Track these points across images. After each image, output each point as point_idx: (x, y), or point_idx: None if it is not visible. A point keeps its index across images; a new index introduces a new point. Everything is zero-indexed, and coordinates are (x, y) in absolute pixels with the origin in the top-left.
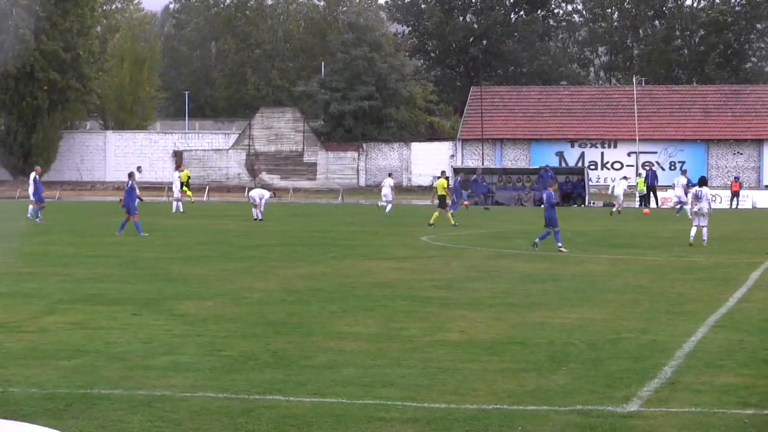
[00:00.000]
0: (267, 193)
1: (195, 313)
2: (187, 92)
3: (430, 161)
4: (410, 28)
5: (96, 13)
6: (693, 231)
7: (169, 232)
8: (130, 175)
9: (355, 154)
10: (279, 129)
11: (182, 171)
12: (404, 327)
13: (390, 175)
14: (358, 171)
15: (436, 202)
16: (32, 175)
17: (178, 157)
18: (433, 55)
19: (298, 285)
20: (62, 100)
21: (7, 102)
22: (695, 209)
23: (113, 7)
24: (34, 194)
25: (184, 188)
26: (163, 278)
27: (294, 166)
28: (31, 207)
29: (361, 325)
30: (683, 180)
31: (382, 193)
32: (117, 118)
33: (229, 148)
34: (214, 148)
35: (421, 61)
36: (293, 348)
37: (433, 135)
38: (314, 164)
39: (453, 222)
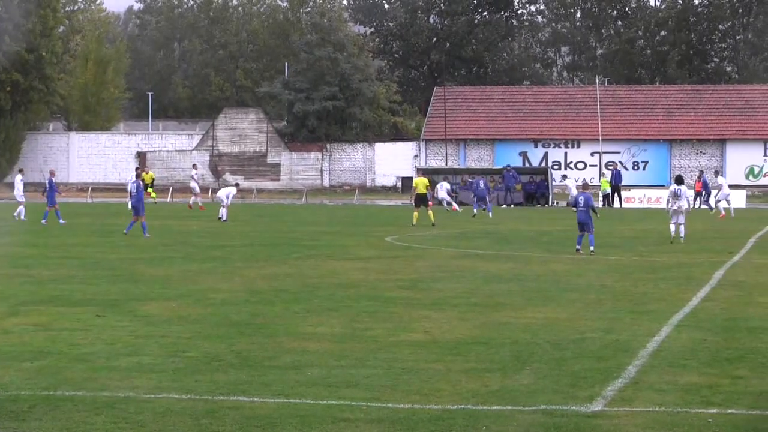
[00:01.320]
0: (233, 190)
1: (158, 314)
2: (150, 93)
3: (394, 161)
4: (373, 29)
5: (59, 14)
6: (672, 228)
7: (132, 233)
8: (138, 175)
9: (319, 155)
10: (243, 130)
11: (146, 172)
12: (368, 327)
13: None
14: (321, 172)
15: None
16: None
17: (141, 159)
18: (396, 55)
19: (261, 285)
20: (25, 101)
21: None
22: (674, 207)
23: (75, 8)
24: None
25: (149, 189)
26: (126, 279)
27: (258, 166)
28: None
29: (325, 325)
30: (722, 179)
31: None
32: (81, 120)
33: (193, 149)
34: (178, 149)
35: (385, 61)
36: (257, 349)
37: (397, 135)
38: (278, 165)
39: (433, 221)
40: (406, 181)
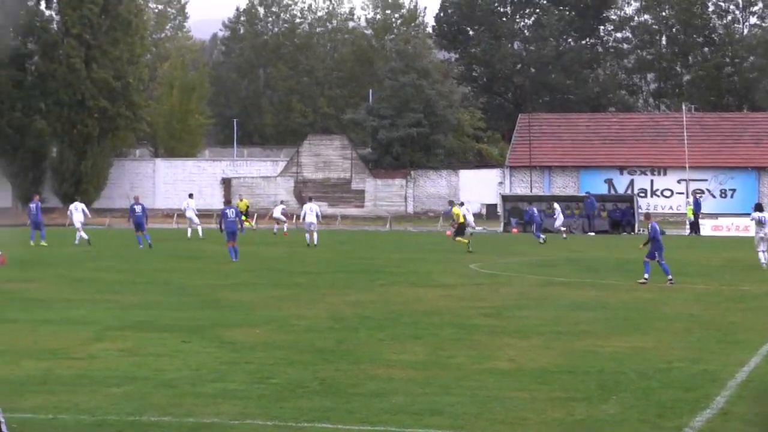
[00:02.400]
0: (282, 207)
1: (243, 341)
2: (235, 120)
3: (478, 188)
4: (458, 56)
5: (146, 41)
6: (761, 256)
7: (217, 259)
8: (227, 202)
9: (403, 182)
10: (327, 156)
11: (241, 200)
12: (452, 355)
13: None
14: (406, 198)
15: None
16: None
17: (226, 185)
18: (480, 82)
19: (346, 312)
20: (112, 127)
21: (59, 130)
22: (761, 234)
23: (162, 35)
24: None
25: (244, 216)
26: (211, 305)
27: (342, 193)
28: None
29: (409, 352)
30: None
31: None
32: (166, 146)
33: (278, 176)
34: (263, 176)
35: (469, 88)
36: (341, 376)
37: (482, 162)
38: (362, 191)
39: (469, 249)
40: (491, 209)
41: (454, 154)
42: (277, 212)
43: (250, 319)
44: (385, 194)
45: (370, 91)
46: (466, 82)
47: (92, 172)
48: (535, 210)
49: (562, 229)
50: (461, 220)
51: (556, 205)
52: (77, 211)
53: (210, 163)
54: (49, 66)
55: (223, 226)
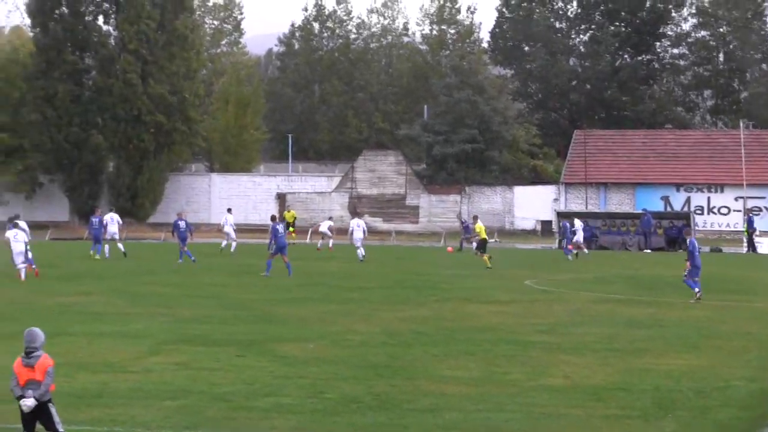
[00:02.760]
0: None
1: (297, 355)
2: (290, 135)
3: (533, 205)
4: (513, 72)
5: (202, 56)
6: None
7: (271, 273)
8: (273, 218)
9: (458, 197)
10: (382, 172)
11: (288, 211)
12: (507, 371)
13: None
14: (460, 214)
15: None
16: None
17: (281, 200)
18: (536, 98)
19: (400, 328)
20: (168, 142)
21: (116, 144)
22: None
23: (218, 50)
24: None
25: (290, 229)
26: (265, 320)
27: (397, 208)
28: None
29: (463, 368)
30: None
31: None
32: (222, 161)
33: (332, 191)
34: (318, 191)
35: (524, 104)
36: (395, 391)
37: (536, 178)
38: (417, 207)
39: (489, 265)
40: (546, 225)
41: (508, 170)
42: (324, 227)
43: (304, 333)
44: (439, 210)
45: (425, 106)
46: (521, 98)
47: (148, 187)
48: (567, 225)
49: (582, 245)
50: (483, 235)
51: (577, 221)
52: (113, 222)
53: (265, 179)
54: (106, 81)
55: (273, 242)
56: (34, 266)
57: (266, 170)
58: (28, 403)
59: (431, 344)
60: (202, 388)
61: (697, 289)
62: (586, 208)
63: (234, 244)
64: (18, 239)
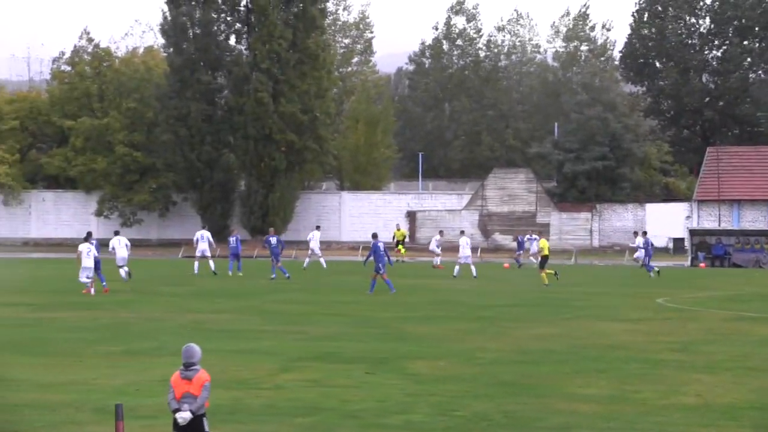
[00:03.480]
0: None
1: (428, 373)
2: (420, 153)
3: (665, 222)
4: (645, 88)
5: (333, 75)
6: None
7: (400, 292)
8: (374, 236)
9: (589, 215)
10: (512, 189)
11: (398, 229)
12: (638, 390)
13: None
14: (591, 232)
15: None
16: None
17: (411, 218)
18: (668, 115)
19: (530, 346)
20: (299, 161)
21: (247, 163)
22: None
23: (349, 69)
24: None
25: (399, 246)
26: (395, 337)
27: (527, 226)
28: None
29: (594, 387)
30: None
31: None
32: (352, 179)
33: (463, 209)
34: (448, 209)
35: (656, 121)
36: (526, 409)
37: (668, 196)
38: (547, 225)
39: (546, 282)
40: (678, 243)
41: (640, 187)
42: (432, 245)
43: (435, 351)
44: (570, 228)
45: (556, 124)
46: (653, 115)
47: (279, 205)
48: (650, 240)
49: (643, 262)
50: (546, 252)
51: (638, 238)
52: (203, 240)
53: (395, 196)
54: (238, 100)
55: (372, 259)
56: (104, 283)
57: (396, 188)
58: (185, 415)
59: (562, 362)
60: (334, 405)
61: None
62: (719, 225)
63: (322, 260)
64: (90, 256)
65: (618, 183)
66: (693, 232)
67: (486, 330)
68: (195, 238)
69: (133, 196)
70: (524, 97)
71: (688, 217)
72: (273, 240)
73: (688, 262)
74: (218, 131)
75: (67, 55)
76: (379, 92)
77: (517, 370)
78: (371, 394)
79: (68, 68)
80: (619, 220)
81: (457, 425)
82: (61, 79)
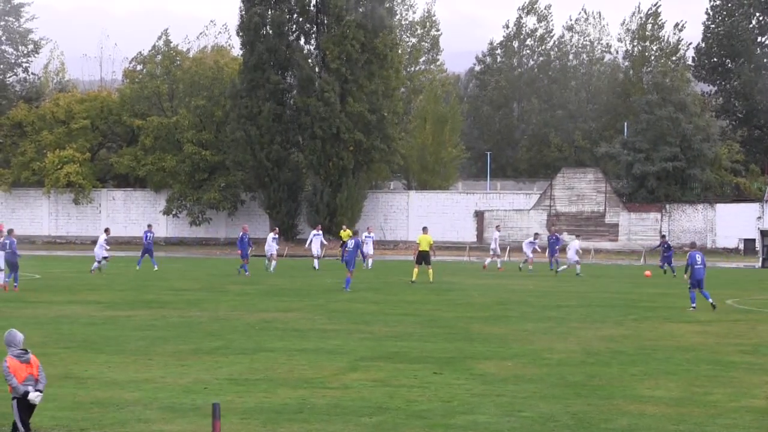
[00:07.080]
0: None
1: (494, 373)
2: (489, 152)
3: (735, 223)
4: (716, 88)
5: (400, 74)
6: None
7: (468, 292)
8: (355, 233)
9: (658, 215)
10: (580, 189)
11: (344, 231)
12: (708, 392)
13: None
14: (661, 232)
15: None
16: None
17: (479, 218)
18: (739, 115)
19: (598, 346)
20: (367, 160)
21: (315, 163)
22: None
23: (416, 68)
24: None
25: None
26: (462, 337)
27: (595, 226)
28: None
29: (662, 388)
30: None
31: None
32: (419, 178)
33: (530, 209)
34: (515, 208)
35: (727, 121)
36: (593, 410)
37: (739, 196)
38: (616, 225)
39: (431, 279)
40: (749, 244)
41: (710, 188)
42: (494, 243)
43: (502, 351)
44: (639, 228)
45: (625, 124)
46: (724, 115)
47: (347, 204)
48: (668, 243)
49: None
50: (423, 248)
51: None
52: (273, 241)
53: (463, 196)
54: (306, 100)
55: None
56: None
57: (464, 188)
58: (39, 396)
59: (630, 363)
60: (400, 405)
61: None
62: None
63: (371, 260)
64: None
65: (688, 183)
66: (764, 233)
67: (553, 330)
68: (308, 239)
69: (201, 194)
70: (593, 96)
71: (759, 218)
72: (245, 238)
73: (759, 263)
74: (287, 131)
75: (145, 55)
76: (447, 91)
77: (585, 371)
78: (437, 394)
79: (140, 67)
80: (688, 221)
81: (524, 426)
82: (133, 78)
